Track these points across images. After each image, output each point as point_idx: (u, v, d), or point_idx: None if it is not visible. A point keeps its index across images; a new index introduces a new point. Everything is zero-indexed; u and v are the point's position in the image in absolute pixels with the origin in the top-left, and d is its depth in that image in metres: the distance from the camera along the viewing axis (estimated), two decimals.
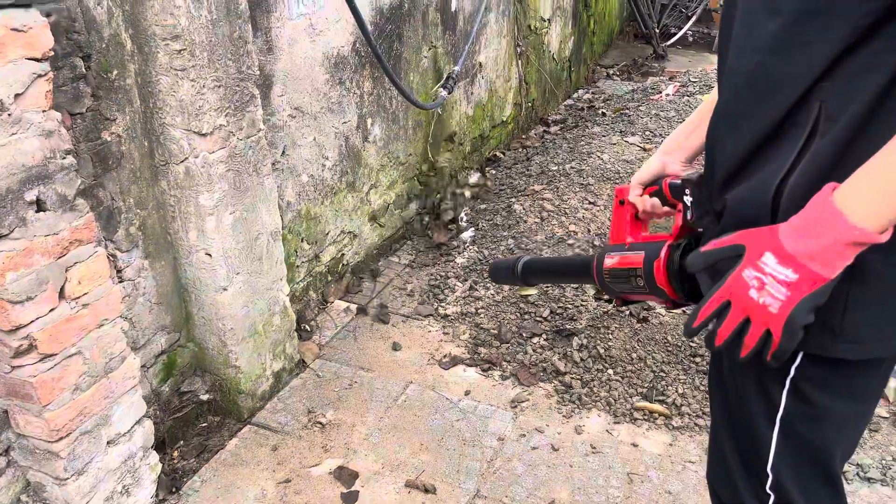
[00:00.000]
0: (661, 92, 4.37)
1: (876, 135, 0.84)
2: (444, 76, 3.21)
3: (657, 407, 2.25)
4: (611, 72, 6.17)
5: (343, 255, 2.87)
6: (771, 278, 0.86)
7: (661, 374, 2.34)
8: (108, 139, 1.77)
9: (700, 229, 1.16)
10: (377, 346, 2.57)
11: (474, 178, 3.67)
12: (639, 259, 1.24)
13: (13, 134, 1.40)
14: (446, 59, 3.35)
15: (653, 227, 1.51)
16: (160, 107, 1.83)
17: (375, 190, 3.00)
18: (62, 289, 1.55)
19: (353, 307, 2.79)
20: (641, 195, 1.32)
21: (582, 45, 5.78)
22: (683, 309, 2.04)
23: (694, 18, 7.25)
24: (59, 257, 1.53)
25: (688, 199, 1.22)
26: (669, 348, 2.41)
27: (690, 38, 7.36)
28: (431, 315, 2.74)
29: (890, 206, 0.80)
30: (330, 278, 2.81)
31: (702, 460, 2.06)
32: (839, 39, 0.84)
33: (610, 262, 1.31)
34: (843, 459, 1.09)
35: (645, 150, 3.31)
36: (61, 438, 1.59)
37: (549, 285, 2.71)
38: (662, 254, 1.20)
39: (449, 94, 3.10)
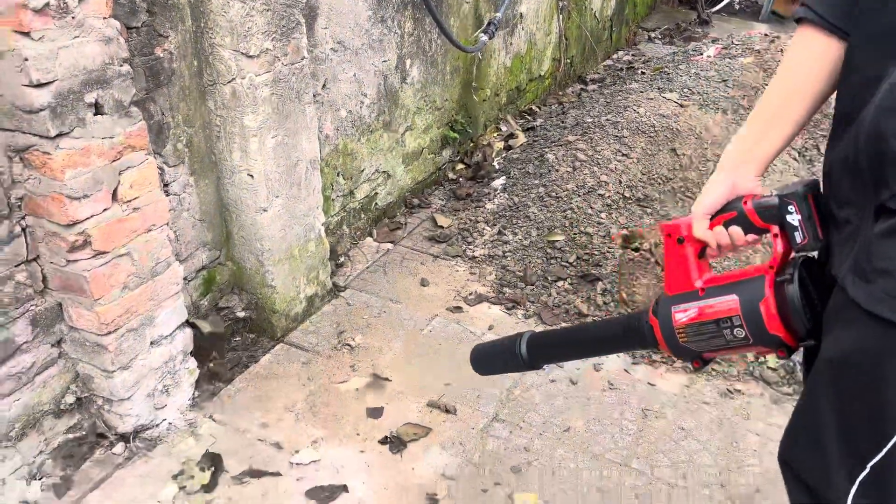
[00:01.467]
0: (702, 53, 4.33)
1: None
2: (486, 22, 3.22)
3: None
4: (653, 35, 6.09)
5: (377, 194, 2.93)
6: None
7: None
8: (161, 55, 1.84)
9: (812, 253, 1.02)
10: (406, 282, 2.65)
11: (508, 128, 3.70)
12: (732, 305, 1.05)
13: (76, 37, 1.48)
14: (487, 5, 3.36)
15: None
16: (211, 26, 1.90)
17: (411, 132, 3.05)
18: (115, 191, 1.64)
19: (385, 245, 2.87)
20: (712, 227, 1.10)
21: (625, 5, 5.71)
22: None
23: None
24: (114, 160, 1.61)
25: (793, 219, 1.02)
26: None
27: (737, 6, 7.20)
28: (459, 256, 2.80)
29: None
30: (363, 216, 2.89)
31: (716, 402, 2.12)
32: None
33: (683, 316, 1.10)
34: None
35: (682, 105, 3.31)
36: (110, 333, 1.70)
37: (577, 233, 2.75)
38: (768, 292, 1.02)
39: (490, 39, 3.12)
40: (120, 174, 1.64)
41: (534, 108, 4.15)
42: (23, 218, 1.60)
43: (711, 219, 1.09)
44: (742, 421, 2.05)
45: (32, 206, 1.57)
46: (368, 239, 2.90)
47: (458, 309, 2.50)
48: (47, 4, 1.39)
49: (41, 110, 1.45)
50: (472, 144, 3.56)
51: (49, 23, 1.42)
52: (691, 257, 1.11)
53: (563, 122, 3.50)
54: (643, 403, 2.11)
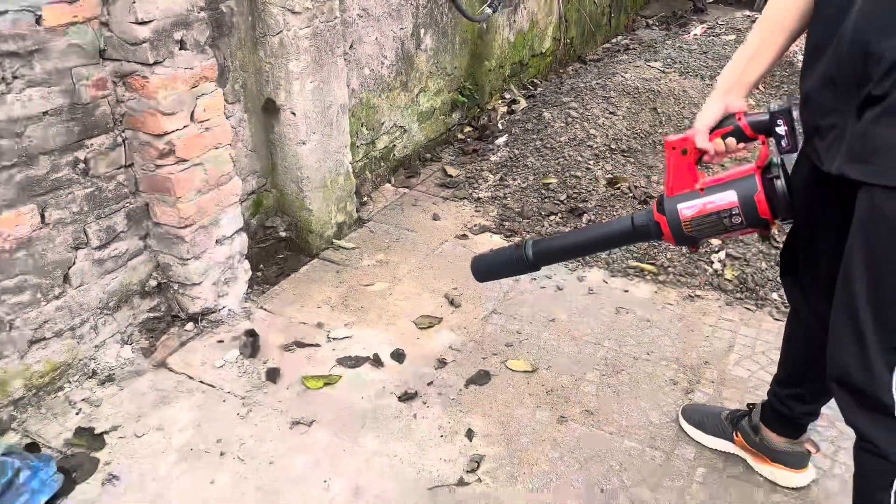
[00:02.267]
0: (689, 32, 4.74)
1: None
2: None
3: (648, 266, 2.72)
4: (650, 21, 6.50)
5: (394, 146, 3.37)
6: None
7: (654, 244, 2.80)
8: (224, 10, 2.29)
9: (794, 153, 1.30)
10: (420, 216, 3.08)
11: (512, 95, 4.13)
12: (731, 199, 1.33)
13: None
14: None
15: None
16: None
17: (424, 94, 3.49)
18: (192, 112, 2.09)
19: (402, 189, 3.31)
20: (712, 139, 1.37)
21: None
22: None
23: None
24: (193, 87, 2.06)
25: (781, 129, 1.28)
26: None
27: None
28: (466, 198, 3.24)
29: None
30: (383, 164, 3.33)
31: (679, 303, 2.54)
32: None
33: (690, 212, 1.37)
34: None
35: (664, 72, 3.74)
36: (186, 227, 2.15)
37: (568, 176, 3.17)
38: (758, 184, 1.31)
39: (494, 12, 3.56)
40: (196, 99, 2.09)
41: (535, 81, 4.58)
42: (123, 131, 2.05)
43: (710, 132, 1.36)
44: (700, 316, 2.47)
45: (131, 121, 2.02)
46: (387, 185, 3.34)
47: (465, 237, 2.93)
48: None
49: (143, 42, 1.90)
50: (478, 110, 3.99)
51: None
52: (691, 165, 1.38)
53: (559, 89, 3.93)
54: (617, 304, 2.53)
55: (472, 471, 1.83)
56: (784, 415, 1.73)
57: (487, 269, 1.66)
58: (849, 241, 1.24)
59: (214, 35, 2.26)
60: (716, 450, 1.89)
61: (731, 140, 1.35)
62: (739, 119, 1.33)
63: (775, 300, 2.54)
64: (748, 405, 1.86)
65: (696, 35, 4.60)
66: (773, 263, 2.69)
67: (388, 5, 3.04)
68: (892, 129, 1.14)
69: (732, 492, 1.79)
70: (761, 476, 1.81)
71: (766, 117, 1.30)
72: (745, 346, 2.32)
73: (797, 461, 1.78)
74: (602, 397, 2.10)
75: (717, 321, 2.45)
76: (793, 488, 1.78)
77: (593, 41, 5.57)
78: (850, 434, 1.34)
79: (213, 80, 2.14)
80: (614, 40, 5.92)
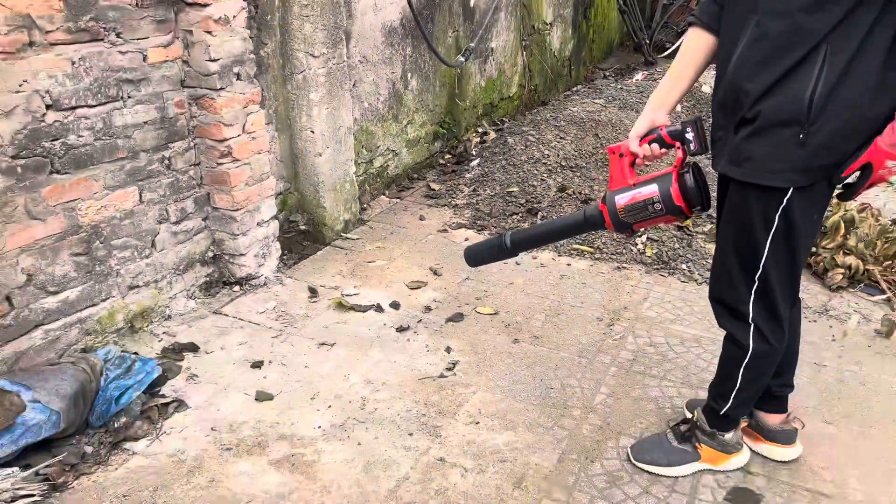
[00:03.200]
0: (633, 78, 5.65)
1: (860, 63, 1.46)
2: (463, 49, 4.53)
3: (586, 248, 3.50)
4: (607, 73, 7.45)
5: (388, 165, 4.18)
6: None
7: (593, 233, 3.59)
8: (263, 54, 3.11)
9: (702, 155, 1.74)
10: (409, 217, 3.86)
11: (484, 129, 4.97)
12: (652, 190, 1.68)
13: (230, 36, 2.74)
14: (465, 40, 4.67)
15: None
16: (291, 38, 3.17)
17: (411, 125, 4.32)
18: (244, 125, 2.88)
19: (394, 199, 4.09)
20: (640, 145, 1.77)
21: (582, 49, 7.09)
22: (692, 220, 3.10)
23: (685, 36, 8.50)
24: (244, 107, 2.86)
25: (690, 136, 1.66)
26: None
27: None
28: (446, 205, 4.03)
29: None
30: (379, 180, 4.12)
31: (609, 273, 3.30)
32: (846, 8, 1.44)
33: (623, 201, 1.71)
34: (802, 260, 1.76)
35: (605, 107, 4.60)
36: (238, 209, 2.91)
37: (527, 186, 3.97)
38: (674, 180, 1.67)
39: (466, 60, 4.42)
40: (247, 116, 2.88)
41: (504, 119, 5.44)
42: (194, 139, 2.83)
43: (640, 140, 1.78)
44: (624, 280, 3.24)
45: (201, 131, 2.80)
46: (382, 196, 4.13)
47: (445, 231, 3.71)
48: (222, 17, 2.66)
49: (213, 74, 2.70)
50: (456, 140, 4.82)
51: (220, 28, 2.68)
52: (626, 166, 1.77)
53: (522, 123, 4.78)
54: (562, 273, 3.30)
55: (450, 369, 2.56)
56: (765, 391, 2.04)
57: (477, 256, 2.06)
58: (724, 213, 1.81)
59: (257, 71, 3.07)
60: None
61: (655, 146, 1.77)
62: (661, 129, 1.75)
63: (683, 269, 3.32)
64: (683, 419, 2.17)
65: (637, 80, 5.50)
66: (684, 244, 3.48)
67: (383, 54, 3.89)
68: (756, 145, 1.61)
69: (634, 382, 2.52)
70: (698, 411, 2.09)
71: (679, 127, 1.71)
72: (656, 298, 3.08)
73: (787, 438, 2.11)
74: (546, 328, 2.84)
75: (636, 283, 3.21)
76: (786, 462, 2.11)
77: (556, 88, 6.49)
78: None
79: (258, 104, 2.94)
80: (575, 88, 6.84)
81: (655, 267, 3.36)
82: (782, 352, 1.90)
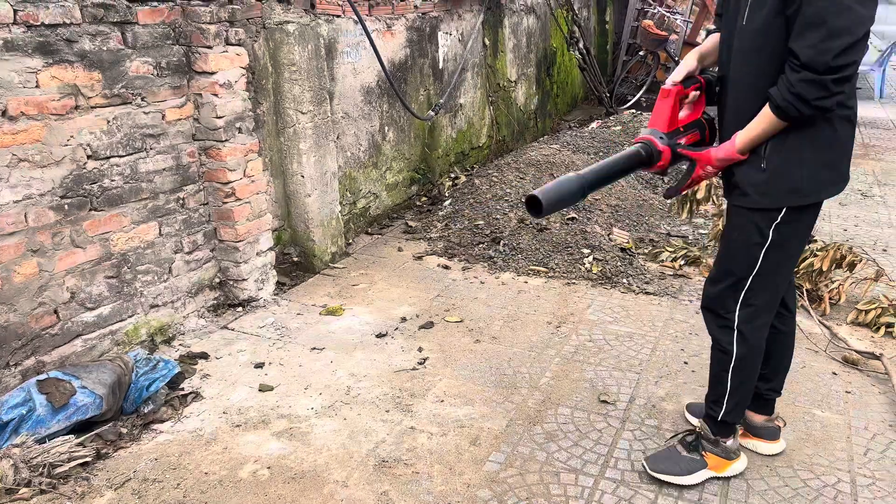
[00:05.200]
0: (588, 125, 6.30)
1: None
2: (434, 105, 5.17)
3: (542, 269, 4.04)
4: (571, 124, 8.15)
5: (369, 206, 4.74)
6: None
7: (548, 256, 4.14)
8: (260, 112, 3.71)
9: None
10: (389, 249, 4.41)
11: (455, 175, 5.58)
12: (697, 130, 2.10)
13: (233, 98, 3.34)
14: (436, 97, 5.32)
15: None
16: (282, 98, 3.77)
17: (390, 171, 4.91)
18: (245, 170, 3.45)
19: (376, 236, 4.65)
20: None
21: (546, 103, 7.79)
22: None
23: (644, 88, 9.27)
24: (245, 155, 3.43)
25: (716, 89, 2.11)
26: (554, 244, 4.22)
27: (644, 103, 9.34)
28: (422, 238, 4.58)
29: (745, 145, 1.95)
30: (362, 220, 4.68)
31: (560, 288, 3.83)
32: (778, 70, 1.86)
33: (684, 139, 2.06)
34: (784, 278, 2.09)
35: (560, 150, 5.21)
36: (240, 241, 3.45)
37: (492, 219, 4.52)
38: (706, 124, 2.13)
39: (436, 115, 5.05)
40: (247, 162, 3.45)
41: (475, 166, 6.05)
42: (203, 182, 3.39)
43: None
44: (572, 293, 3.77)
45: (209, 175, 3.37)
46: (365, 234, 4.68)
47: (420, 258, 4.25)
48: (226, 82, 3.26)
49: (219, 128, 3.28)
50: (431, 185, 5.41)
51: (224, 91, 3.28)
52: (677, 103, 2.05)
53: (489, 168, 5.39)
54: (519, 289, 3.83)
55: (421, 363, 3.06)
56: (755, 393, 2.32)
57: (555, 201, 1.86)
58: (724, 232, 2.17)
59: (254, 126, 3.66)
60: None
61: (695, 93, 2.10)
62: (699, 77, 2.11)
63: (624, 282, 3.86)
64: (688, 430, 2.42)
65: (592, 127, 6.15)
66: (626, 263, 4.03)
67: (362, 110, 4.51)
68: (741, 174, 2.00)
69: (574, 368, 3.03)
70: (701, 420, 2.35)
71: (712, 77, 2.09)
72: (599, 306, 3.62)
73: (772, 434, 2.39)
74: (503, 331, 3.36)
75: (583, 295, 3.75)
76: (771, 455, 2.40)
77: (523, 138, 7.14)
78: None
79: (256, 152, 3.51)
80: (542, 139, 7.49)
81: (600, 282, 3.89)
82: (763, 351, 2.18)
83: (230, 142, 3.34)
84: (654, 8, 9.26)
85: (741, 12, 1.92)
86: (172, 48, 3.15)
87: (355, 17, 4.15)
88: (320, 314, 3.49)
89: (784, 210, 1.97)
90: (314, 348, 3.19)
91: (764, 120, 1.89)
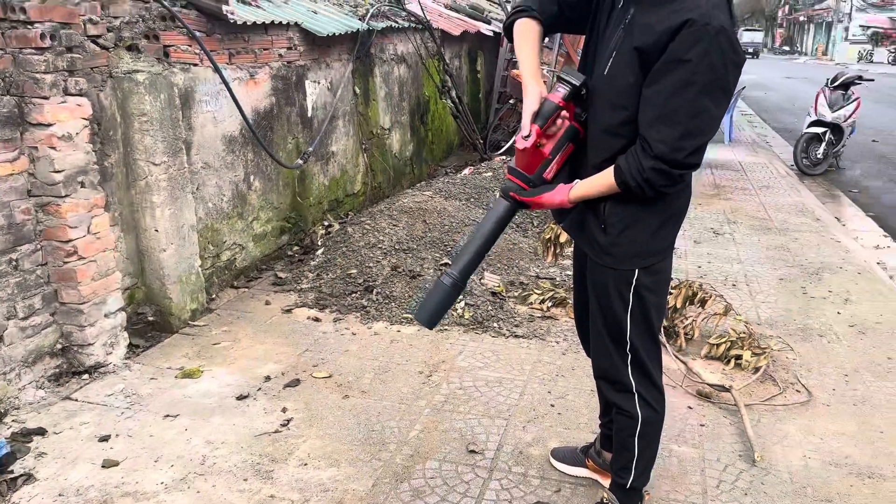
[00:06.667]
0: (461, 172, 6.42)
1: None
2: (303, 153, 5.08)
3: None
4: (447, 169, 8.27)
5: (235, 259, 4.56)
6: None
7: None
8: (107, 165, 3.49)
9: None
10: (256, 303, 4.23)
11: (328, 223, 5.49)
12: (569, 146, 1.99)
13: (74, 150, 3.12)
14: (305, 145, 5.24)
15: None
16: (133, 150, 3.57)
17: (257, 221, 4.76)
18: (89, 227, 3.21)
19: (243, 289, 4.46)
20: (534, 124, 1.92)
21: (422, 150, 7.88)
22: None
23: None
24: (88, 211, 3.20)
25: (583, 93, 1.93)
26: (427, 289, 4.20)
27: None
28: (292, 290, 4.44)
29: (579, 200, 1.97)
30: (227, 272, 4.48)
31: (433, 334, 3.80)
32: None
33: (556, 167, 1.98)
34: (658, 327, 2.07)
35: (432, 197, 5.26)
36: (85, 303, 3.19)
37: (365, 268, 4.46)
38: (580, 130, 1.99)
39: (304, 162, 4.96)
40: (92, 218, 3.22)
41: (350, 213, 5.99)
42: (41, 241, 3.12)
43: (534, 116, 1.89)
44: (445, 340, 3.75)
45: (48, 233, 3.11)
46: (230, 288, 4.48)
47: (290, 311, 4.11)
48: (65, 135, 3.04)
49: (58, 184, 3.04)
50: (303, 233, 5.29)
51: (63, 144, 3.06)
52: (534, 148, 1.92)
53: (363, 215, 5.34)
54: (393, 339, 3.76)
55: (284, 425, 2.91)
56: (608, 436, 2.35)
57: (434, 315, 2.00)
58: (590, 294, 2.10)
59: (101, 180, 3.44)
60: (576, 476, 2.54)
61: (559, 119, 1.93)
62: (552, 98, 1.90)
63: (495, 326, 3.89)
64: (594, 440, 2.54)
65: (464, 174, 6.27)
66: (496, 307, 4.07)
67: (224, 160, 4.35)
68: (588, 226, 2.01)
69: (444, 418, 2.98)
70: (607, 491, 2.34)
71: (569, 87, 1.90)
72: (469, 351, 3.61)
73: None
74: (374, 384, 3.27)
75: (455, 341, 3.74)
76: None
77: (400, 185, 7.16)
78: None
79: (102, 207, 3.29)
80: (419, 185, 7.55)
81: (472, 327, 3.90)
82: (664, 402, 2.15)
83: (71, 197, 3.10)
84: None
85: (604, 60, 1.89)
86: (2, 99, 2.91)
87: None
88: (176, 377, 3.27)
89: (636, 271, 1.98)
90: (167, 416, 2.97)
91: (605, 183, 1.89)
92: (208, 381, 3.28)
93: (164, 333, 3.78)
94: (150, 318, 3.77)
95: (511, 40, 2.07)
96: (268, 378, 3.31)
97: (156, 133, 3.58)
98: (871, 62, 36.73)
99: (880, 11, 41.26)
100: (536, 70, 1.96)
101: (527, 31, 2.01)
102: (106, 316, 3.32)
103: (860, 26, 42.57)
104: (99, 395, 3.12)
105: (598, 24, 1.97)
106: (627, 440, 2.15)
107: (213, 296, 4.28)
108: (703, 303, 3.78)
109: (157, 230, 3.67)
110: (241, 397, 3.13)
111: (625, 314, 2.00)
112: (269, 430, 2.88)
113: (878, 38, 40.58)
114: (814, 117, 8.81)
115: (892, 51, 36.17)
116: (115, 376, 3.29)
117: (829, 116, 8.62)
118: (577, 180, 1.97)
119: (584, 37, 2.04)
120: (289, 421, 2.94)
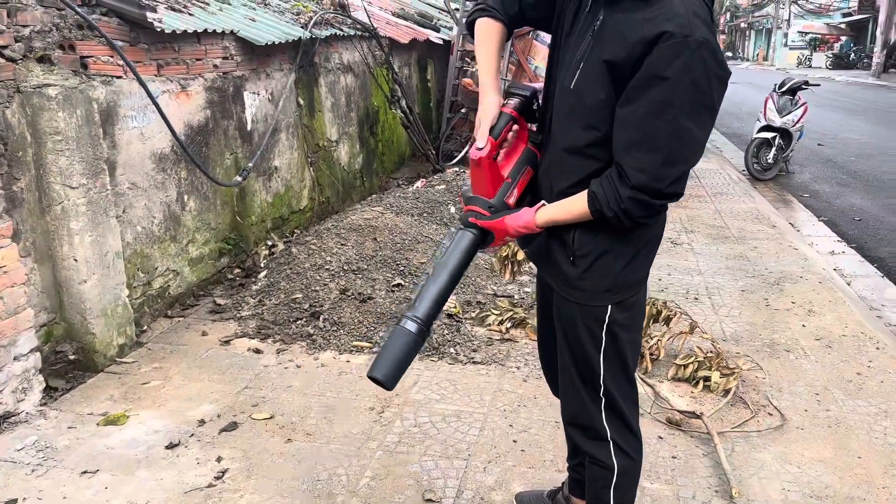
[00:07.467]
0: (413, 185, 6.17)
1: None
2: (242, 169, 4.76)
3: (366, 344, 3.73)
4: (400, 182, 8.02)
5: (169, 285, 4.21)
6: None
7: (372, 328, 3.84)
8: (16, 189, 3.13)
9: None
10: (191, 335, 3.90)
11: (272, 242, 5.17)
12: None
13: None
14: (245, 160, 4.92)
15: None
16: (46, 172, 3.22)
17: (193, 244, 4.42)
18: None
19: (178, 318, 4.12)
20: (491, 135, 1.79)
21: (373, 162, 7.61)
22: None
23: (469, 145, 9.38)
24: None
25: (533, 106, 1.84)
26: (378, 315, 3.93)
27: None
28: (231, 318, 4.11)
29: (547, 225, 1.75)
30: (160, 301, 4.14)
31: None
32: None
33: (513, 198, 1.81)
34: (634, 367, 1.85)
35: (383, 213, 5.00)
36: None
37: (311, 291, 4.17)
38: (536, 153, 1.86)
39: (243, 180, 4.65)
40: None
41: (297, 231, 5.68)
42: None
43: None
44: (410, 373, 3.48)
45: None
46: (163, 318, 4.13)
47: (228, 343, 3.79)
48: None
49: None
50: (245, 255, 4.96)
51: None
52: (491, 162, 1.77)
53: (309, 234, 5.04)
54: (341, 371, 3.48)
55: (218, 478, 2.61)
56: (578, 480, 2.16)
57: (397, 372, 1.68)
58: (557, 330, 1.87)
59: (9, 207, 3.08)
60: None
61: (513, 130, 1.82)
62: (507, 110, 1.79)
63: (451, 352, 3.64)
64: (562, 484, 2.35)
65: (417, 187, 6.02)
66: (453, 330, 3.82)
67: (154, 180, 4.01)
68: (554, 254, 1.81)
69: (397, 461, 2.72)
70: None
71: (520, 99, 1.79)
72: (425, 381, 3.35)
73: None
74: (320, 425, 2.99)
75: (409, 371, 3.47)
76: None
77: (350, 199, 6.88)
78: None
79: (9, 237, 2.93)
80: (370, 198, 7.25)
81: (427, 353, 3.65)
82: (641, 449, 1.94)
83: None
84: (473, 67, 9.49)
85: (570, 71, 1.69)
86: None
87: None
88: (98, 425, 2.93)
89: (609, 307, 1.76)
90: (85, 472, 2.64)
91: (576, 210, 1.68)
92: (134, 428, 2.94)
93: (88, 373, 3.42)
94: (72, 357, 3.41)
95: (473, 37, 1.90)
96: (202, 422, 3.00)
97: (72, 153, 3.24)
98: (810, 67, 37.84)
99: (817, 18, 42.62)
100: (494, 76, 1.81)
101: (486, 34, 1.85)
102: (16, 359, 2.97)
103: (798, 32, 43.93)
104: (7, 450, 2.77)
105: (562, 28, 1.76)
106: (602, 492, 1.91)
107: (145, 327, 3.93)
108: (667, 321, 3.60)
109: (76, 259, 3.31)
110: (170, 446, 2.81)
111: (597, 354, 1.79)
112: (202, 484, 2.57)
113: (815, 44, 41.90)
114: (763, 122, 8.85)
115: (830, 55, 37.36)
116: (27, 426, 2.94)
117: (778, 121, 8.67)
118: (543, 201, 1.76)
119: (536, 44, 1.85)
120: (224, 472, 2.64)
